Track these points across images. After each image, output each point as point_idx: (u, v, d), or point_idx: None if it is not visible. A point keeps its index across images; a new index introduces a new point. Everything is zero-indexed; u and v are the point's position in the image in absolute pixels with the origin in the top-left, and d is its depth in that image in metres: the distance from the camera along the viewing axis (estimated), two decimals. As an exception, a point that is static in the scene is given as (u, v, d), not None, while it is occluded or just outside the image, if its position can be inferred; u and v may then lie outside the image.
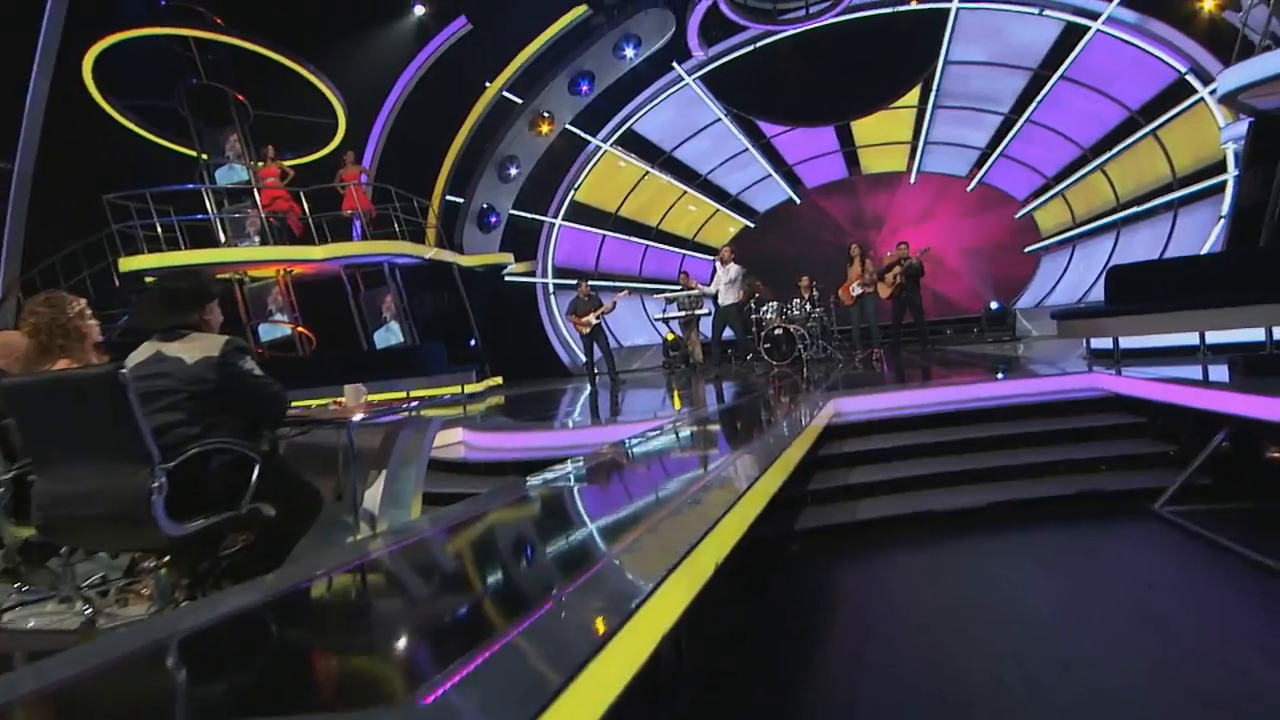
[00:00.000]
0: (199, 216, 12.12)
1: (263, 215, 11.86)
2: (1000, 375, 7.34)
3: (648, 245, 19.18)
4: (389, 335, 13.34)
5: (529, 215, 17.69)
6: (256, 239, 11.97)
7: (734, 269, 10.13)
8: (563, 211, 18.05)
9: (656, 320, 13.38)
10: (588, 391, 11.03)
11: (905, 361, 10.49)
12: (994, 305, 13.17)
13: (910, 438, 6.06)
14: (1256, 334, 6.53)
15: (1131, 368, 6.61)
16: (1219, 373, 5.97)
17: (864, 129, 17.13)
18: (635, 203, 18.65)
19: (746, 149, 17.93)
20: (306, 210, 12.42)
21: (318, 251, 12.24)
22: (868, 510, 5.24)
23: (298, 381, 11.44)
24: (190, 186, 11.92)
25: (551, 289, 17.97)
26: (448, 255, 14.04)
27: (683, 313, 13.23)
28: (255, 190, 12.05)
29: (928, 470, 5.60)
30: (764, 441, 4.84)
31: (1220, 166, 12.14)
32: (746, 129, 17.61)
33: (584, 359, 12.13)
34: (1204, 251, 11.78)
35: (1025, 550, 4.80)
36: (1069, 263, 15.09)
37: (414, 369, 11.50)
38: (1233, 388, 4.82)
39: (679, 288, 14.01)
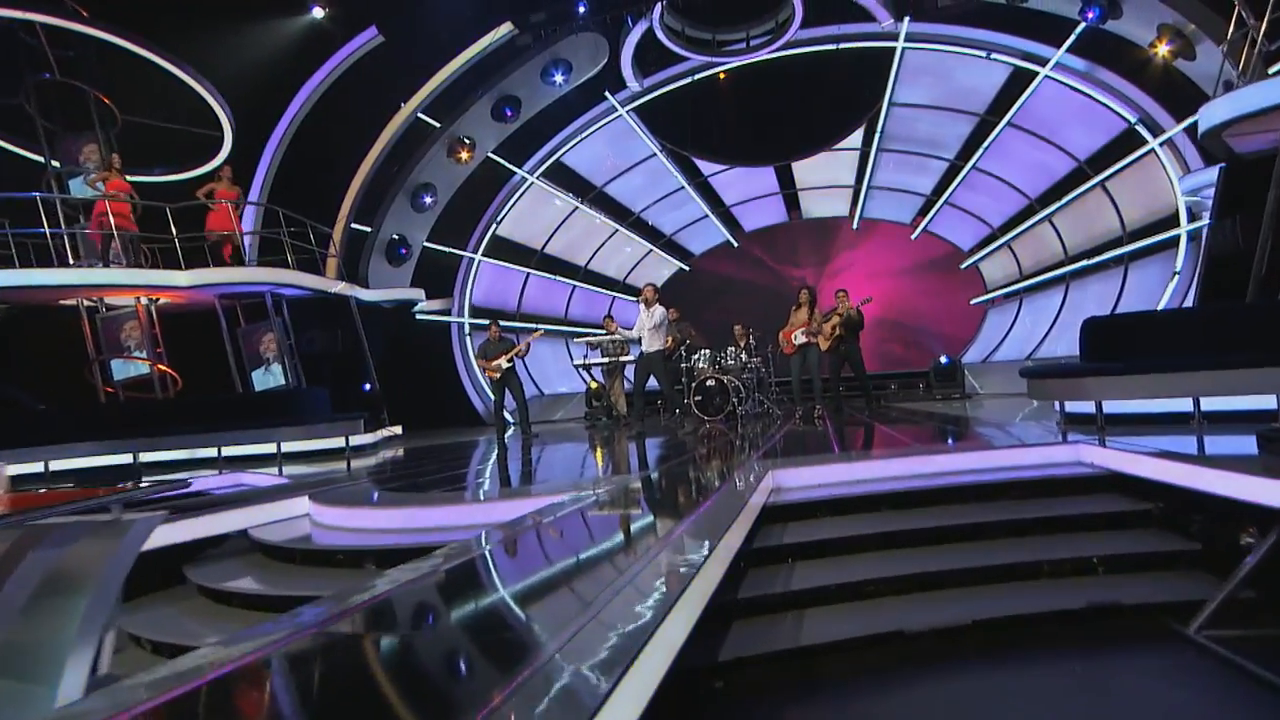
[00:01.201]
0: (39, 231, 10.27)
1: (115, 233, 10.09)
2: (961, 443, 6.17)
3: (575, 285, 17.90)
4: (269, 377, 11.59)
5: (445, 249, 16.25)
6: (105, 261, 10.17)
7: (659, 312, 8.86)
8: (483, 246, 16.68)
9: (577, 366, 12.00)
10: (491, 449, 9.52)
11: (851, 421, 9.34)
12: (943, 359, 12.25)
13: (867, 524, 4.75)
14: (1264, 401, 5.52)
15: (1117, 437, 5.51)
16: (1226, 445, 4.91)
17: (805, 171, 16.35)
18: (562, 240, 17.41)
19: (682, 187, 16.95)
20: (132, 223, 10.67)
21: (183, 277, 10.51)
22: (817, 628, 3.87)
23: (153, 428, 9.72)
24: (27, 195, 10.10)
25: (468, 330, 16.46)
26: (341, 287, 12.43)
27: (606, 359, 11.90)
28: (105, 204, 10.27)
29: (892, 570, 4.27)
30: (688, 531, 3.52)
31: (1172, 220, 11.57)
32: (683, 166, 16.65)
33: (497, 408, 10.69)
34: (1160, 308, 11.08)
35: (1025, 689, 3.50)
36: (1016, 316, 14.40)
37: (288, 417, 9.79)
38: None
39: (602, 332, 12.71)
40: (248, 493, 6.23)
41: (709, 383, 10.74)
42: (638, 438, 8.88)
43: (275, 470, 8.56)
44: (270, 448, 9.38)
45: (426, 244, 15.95)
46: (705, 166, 16.65)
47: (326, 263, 13.32)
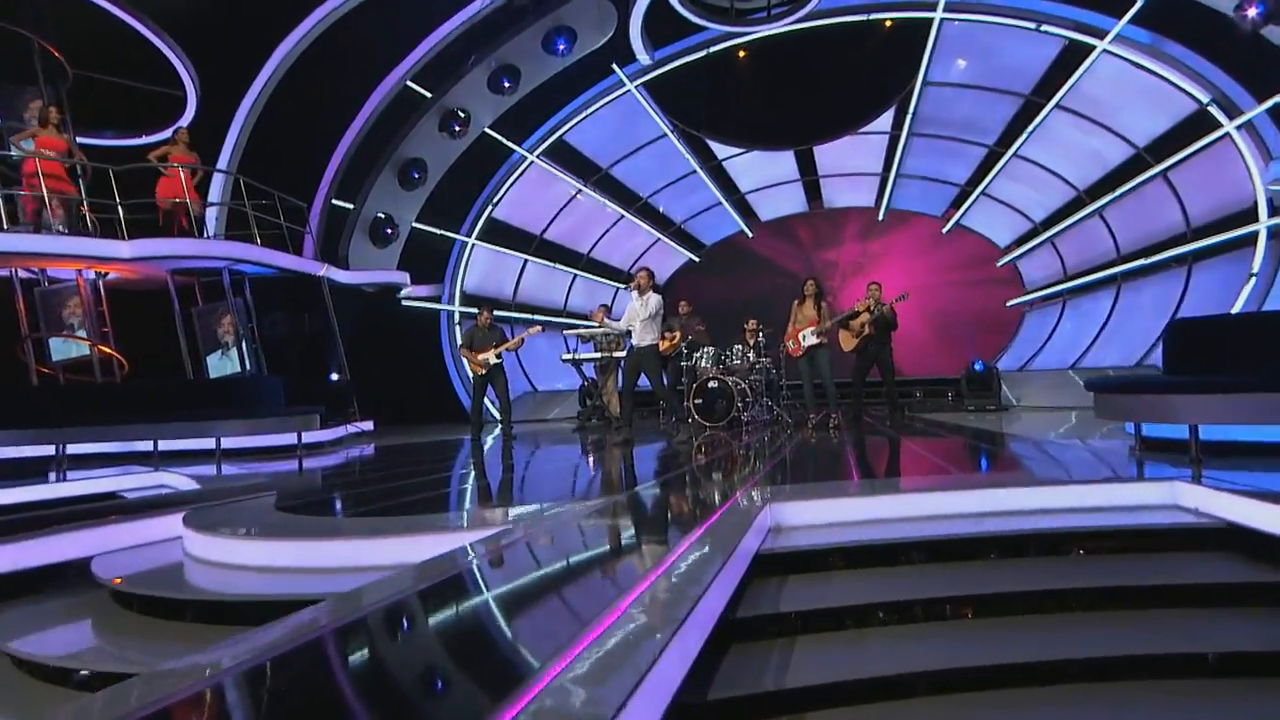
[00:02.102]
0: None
1: (45, 195, 8.97)
2: (1012, 472, 4.88)
3: (576, 274, 16.66)
4: (226, 363, 10.45)
5: (436, 231, 15.08)
6: (36, 226, 9.07)
7: (654, 300, 7.59)
8: (478, 229, 15.48)
9: (565, 361, 10.76)
10: (462, 453, 8.30)
11: (872, 434, 8.03)
12: (976, 365, 10.88)
13: (896, 583, 3.47)
14: None
15: (1215, 471, 4.20)
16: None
17: (828, 156, 14.99)
18: (563, 225, 16.18)
19: (694, 171, 15.65)
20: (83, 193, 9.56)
21: (125, 248, 9.39)
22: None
23: (91, 415, 8.60)
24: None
25: (458, 319, 15.27)
26: (313, 266, 11.27)
27: (598, 354, 10.67)
28: (35, 163, 9.15)
29: (935, 657, 3.00)
30: (650, 595, 2.31)
31: (1249, 215, 10.12)
32: (695, 148, 15.36)
33: (485, 404, 9.50)
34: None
35: None
36: (1058, 320, 12.99)
37: (232, 408, 8.64)
38: None
39: (595, 324, 11.47)
40: (104, 507, 5.03)
41: (711, 384, 9.49)
42: (624, 445, 7.62)
43: (215, 468, 7.46)
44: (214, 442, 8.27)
45: (416, 224, 14.79)
46: (720, 150, 15.35)
47: (297, 240, 12.16)
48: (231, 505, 4.72)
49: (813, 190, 16.11)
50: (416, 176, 14.28)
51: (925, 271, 14.92)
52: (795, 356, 8.92)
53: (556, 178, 15.50)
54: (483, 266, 15.75)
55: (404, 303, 14.63)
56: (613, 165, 15.63)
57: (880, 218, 15.59)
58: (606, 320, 9.97)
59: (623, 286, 16.83)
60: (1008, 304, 14.37)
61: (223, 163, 12.08)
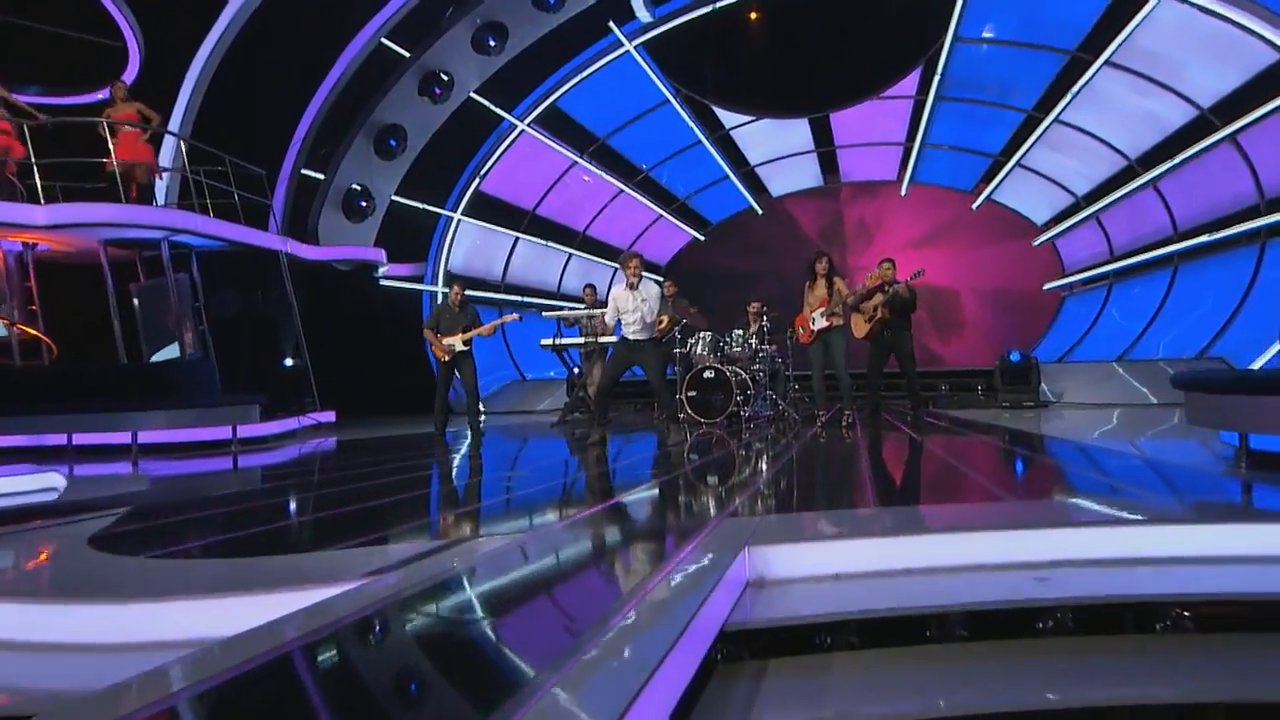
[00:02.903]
0: None
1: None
2: (1080, 497, 3.63)
3: (571, 254, 15.44)
4: (172, 346, 9.35)
5: (418, 205, 13.89)
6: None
7: (651, 291, 6.38)
8: (464, 204, 14.27)
9: (545, 347, 9.56)
10: (408, 453, 7.13)
11: (892, 436, 6.77)
12: (1012, 355, 9.55)
13: (937, 680, 2.22)
14: None
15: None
16: None
17: (846, 124, 13.63)
18: (558, 200, 14.95)
19: (700, 142, 14.35)
20: (31, 153, 8.46)
21: (40, 213, 8.27)
22: None
23: (6, 405, 7.56)
24: None
25: (440, 300, 14.07)
26: (268, 239, 10.11)
27: (583, 340, 9.46)
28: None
29: None
30: (554, 697, 1.07)
31: (1337, 183, 8.71)
32: (701, 116, 14.05)
33: (455, 395, 8.38)
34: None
35: None
36: (1104, 305, 11.59)
37: (153, 398, 7.56)
38: None
39: (580, 306, 10.26)
40: None
41: (707, 374, 8.25)
42: (599, 446, 6.41)
43: (130, 466, 6.40)
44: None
45: (395, 198, 13.60)
46: (727, 118, 14.02)
47: (266, 213, 11.01)
48: (32, 533, 3.55)
49: (829, 162, 14.76)
50: (395, 145, 13.06)
51: (953, 252, 13.58)
52: (807, 344, 7.66)
53: (550, 148, 14.27)
54: (469, 244, 14.56)
55: (382, 283, 13.46)
56: (611, 135, 14.37)
57: (903, 192, 14.24)
58: (594, 311, 8.80)
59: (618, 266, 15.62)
60: (1045, 287, 12.97)
61: (174, 126, 10.93)
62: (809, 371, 8.00)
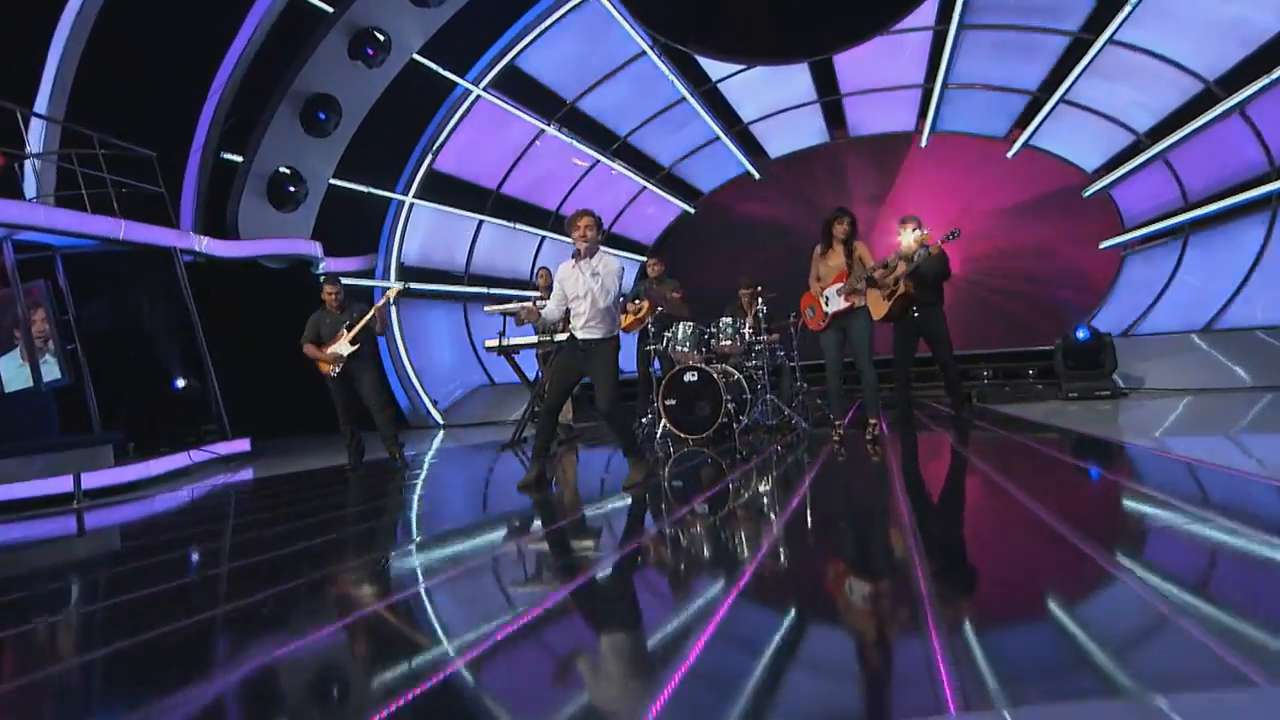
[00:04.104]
0: None
1: None
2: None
3: (544, 236, 13.58)
4: (20, 370, 7.55)
5: (361, 188, 12.04)
6: None
7: (609, 268, 4.44)
8: (416, 185, 12.39)
9: (490, 350, 7.67)
10: (298, 501, 5.30)
11: (933, 452, 4.89)
12: (1079, 333, 7.56)
13: None
14: None
15: None
16: None
17: (854, 68, 11.62)
18: (526, 176, 13.06)
19: (684, 99, 12.39)
20: None
21: None
22: None
23: None
24: None
25: (393, 299, 12.23)
26: (153, 234, 8.28)
27: (537, 339, 7.59)
28: None
29: None
30: None
31: None
32: (682, 69, 12.08)
33: (377, 423, 6.55)
34: None
35: None
36: (1178, 265, 9.54)
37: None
38: None
39: (533, 293, 8.37)
40: None
41: (688, 377, 6.39)
42: (535, 489, 4.55)
43: None
44: None
45: (333, 181, 11.74)
46: (714, 69, 12.04)
47: (163, 201, 9.19)
48: None
49: (834, 114, 12.75)
50: (325, 119, 11.16)
51: (986, 210, 11.56)
52: (817, 330, 5.72)
53: (512, 116, 12.35)
54: (426, 231, 12.70)
55: (324, 282, 11.61)
56: (581, 97, 12.43)
57: (923, 143, 12.23)
58: (536, 303, 6.92)
59: (604, 249, 13.67)
60: (1101, 246, 10.92)
61: (41, 104, 9.11)
62: (820, 360, 6.04)
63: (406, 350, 12.11)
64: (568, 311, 4.58)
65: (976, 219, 11.18)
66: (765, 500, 3.98)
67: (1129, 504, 3.25)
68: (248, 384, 10.49)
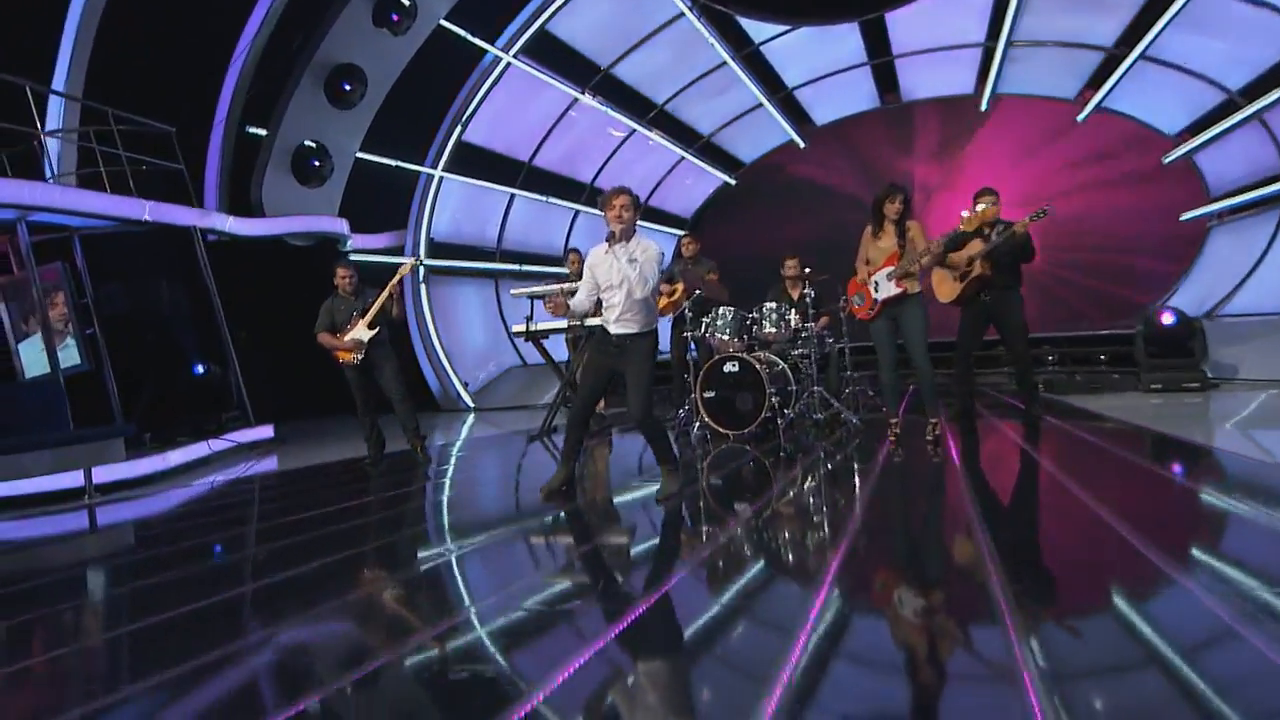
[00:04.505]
0: None
1: None
2: None
3: (578, 210, 13.06)
4: (40, 356, 7.35)
5: (389, 162, 11.65)
6: None
7: (648, 254, 3.86)
8: (445, 158, 11.94)
9: (518, 335, 7.21)
10: (314, 501, 4.95)
11: (1011, 466, 4.32)
12: (1165, 317, 6.79)
13: None
14: None
15: None
16: None
17: (907, 27, 10.78)
18: (559, 147, 12.53)
19: (725, 63, 11.67)
20: None
21: None
22: None
23: None
24: None
25: (423, 275, 11.89)
26: (172, 213, 7.97)
27: (566, 324, 7.11)
28: None
29: None
30: None
31: None
32: (723, 31, 11.35)
33: (407, 411, 6.18)
34: None
35: None
36: (1275, 236, 8.62)
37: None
38: None
39: (566, 278, 7.88)
40: None
41: (728, 367, 5.88)
42: (558, 498, 4.10)
43: None
44: None
45: (360, 154, 11.37)
46: (756, 30, 11.30)
47: (183, 179, 8.89)
48: None
49: (886, 77, 11.91)
50: (350, 89, 10.77)
51: (1050, 177, 10.71)
52: (866, 319, 5.13)
53: (544, 84, 11.79)
54: (456, 206, 12.27)
55: (351, 259, 11.29)
56: (616, 63, 11.80)
57: (983, 107, 11.35)
58: (564, 287, 6.46)
59: (640, 223, 13.07)
60: (1182, 217, 10.00)
61: (59, 81, 8.83)
62: (870, 343, 5.43)
63: (436, 330, 11.76)
64: (599, 301, 4.08)
65: (1041, 190, 10.32)
66: (819, 514, 3.49)
67: (1246, 532, 2.66)
68: (275, 366, 10.27)
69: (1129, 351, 7.33)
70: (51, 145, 8.80)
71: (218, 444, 7.31)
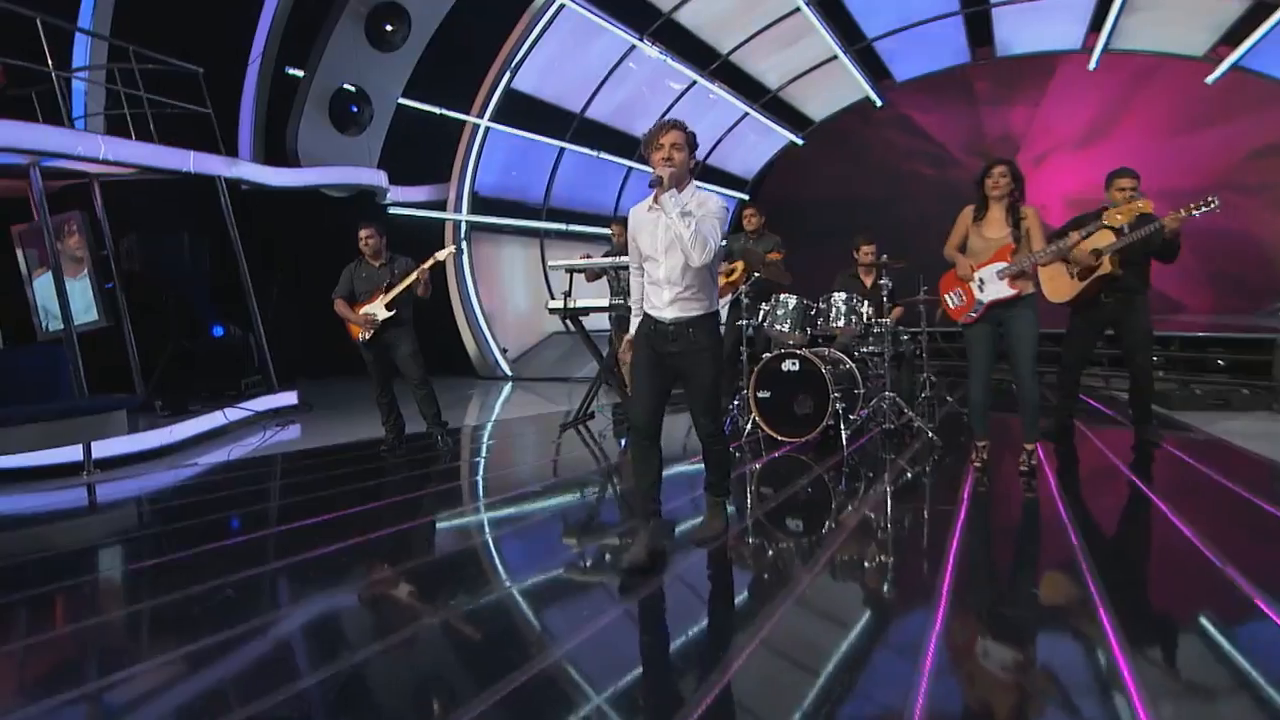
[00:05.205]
0: None
1: None
2: None
3: (630, 167, 12.22)
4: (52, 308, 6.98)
5: (433, 109, 10.94)
6: None
7: (709, 200, 2.91)
8: (492, 107, 11.17)
9: (553, 313, 6.52)
10: (316, 487, 4.43)
11: (1107, 507, 3.53)
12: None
13: None
14: None
15: None
16: None
17: (1010, -31, 9.53)
18: (613, 98, 11.66)
19: (797, 9, 10.57)
20: None
21: None
22: None
23: None
24: None
25: (464, 231, 11.26)
26: (196, 159, 7.44)
27: (609, 302, 6.38)
28: None
29: None
30: None
31: None
32: (799, -29, 10.25)
33: (409, 387, 5.52)
34: None
35: None
36: None
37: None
38: None
39: (610, 248, 7.13)
40: None
41: (787, 366, 5.14)
42: (644, 567, 3.20)
43: None
44: None
45: (402, 100, 10.72)
46: (833, -29, 10.17)
47: (211, 124, 8.35)
48: None
49: (980, 28, 10.67)
50: (392, 30, 10.08)
51: (1173, 153, 9.43)
52: (965, 321, 4.26)
53: (600, 29, 10.87)
54: (502, 158, 11.55)
55: (390, 211, 10.74)
56: (678, 7, 10.78)
57: (1092, 65, 10.05)
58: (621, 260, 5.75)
59: (697, 183, 12.10)
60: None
61: (84, 19, 8.31)
62: (954, 344, 4.58)
63: (476, 291, 11.16)
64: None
65: (1160, 162, 9.10)
66: (898, 569, 2.83)
67: None
68: (309, 322, 9.83)
69: (1263, 361, 6.28)
70: (78, 86, 8.36)
71: (233, 413, 6.87)
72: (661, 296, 2.94)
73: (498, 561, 3.33)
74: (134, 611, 2.85)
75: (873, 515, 3.66)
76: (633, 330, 3.13)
